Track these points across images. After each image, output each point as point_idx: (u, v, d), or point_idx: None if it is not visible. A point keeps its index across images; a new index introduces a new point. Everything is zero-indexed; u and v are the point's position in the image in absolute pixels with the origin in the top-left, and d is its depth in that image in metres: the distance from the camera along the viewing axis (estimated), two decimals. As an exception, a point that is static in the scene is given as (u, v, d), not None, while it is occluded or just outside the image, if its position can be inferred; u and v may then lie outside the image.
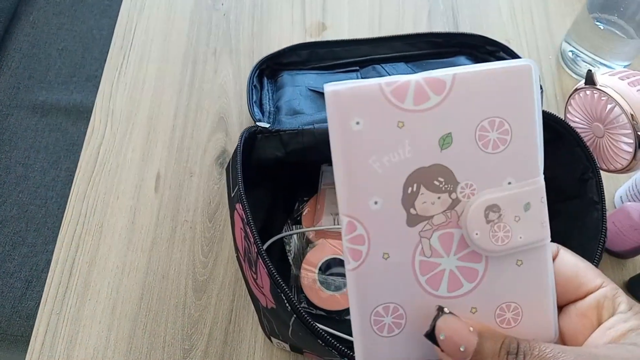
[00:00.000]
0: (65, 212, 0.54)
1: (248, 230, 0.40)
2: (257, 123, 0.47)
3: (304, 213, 0.52)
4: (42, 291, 0.86)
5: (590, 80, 0.40)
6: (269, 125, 0.46)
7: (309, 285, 0.48)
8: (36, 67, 1.06)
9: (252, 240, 0.39)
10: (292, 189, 0.54)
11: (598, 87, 0.40)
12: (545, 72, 0.62)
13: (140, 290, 0.51)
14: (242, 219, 0.41)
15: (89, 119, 0.99)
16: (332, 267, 0.48)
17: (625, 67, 0.60)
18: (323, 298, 0.47)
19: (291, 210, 0.53)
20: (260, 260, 0.38)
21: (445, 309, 0.23)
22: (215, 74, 0.62)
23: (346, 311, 0.47)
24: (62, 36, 1.10)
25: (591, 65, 0.60)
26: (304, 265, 0.48)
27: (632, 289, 0.51)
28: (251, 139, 0.46)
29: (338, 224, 0.51)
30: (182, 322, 0.50)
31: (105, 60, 1.06)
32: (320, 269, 0.48)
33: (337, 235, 0.49)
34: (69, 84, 1.05)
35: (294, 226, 0.51)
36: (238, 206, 0.41)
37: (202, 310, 0.50)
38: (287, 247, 0.51)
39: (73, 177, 0.94)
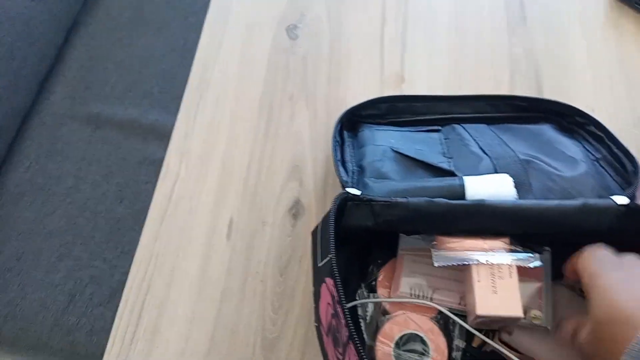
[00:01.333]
0: (137, 250, 0.54)
1: (339, 310, 0.38)
2: (347, 189, 0.46)
3: (379, 279, 0.51)
4: (84, 307, 0.87)
5: None
6: (360, 192, 0.45)
7: (383, 359, 0.47)
8: (93, 79, 1.07)
9: (343, 322, 0.38)
10: (367, 251, 0.52)
11: None
12: (630, 146, 0.60)
13: (209, 344, 0.50)
14: (333, 297, 0.40)
15: (142, 135, 1.00)
16: (410, 343, 0.47)
17: None
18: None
19: (365, 274, 0.52)
20: (353, 348, 0.37)
21: None
22: (291, 120, 0.62)
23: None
24: (121, 50, 1.10)
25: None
26: (379, 337, 0.47)
27: None
28: (341, 205, 0.45)
29: (416, 295, 0.50)
30: (250, 381, 0.49)
31: (161, 78, 1.07)
32: (396, 344, 0.47)
33: (415, 307, 0.48)
34: (124, 98, 1.05)
35: (371, 294, 0.50)
36: (329, 281, 0.40)
37: (270, 370, 0.49)
38: (360, 313, 0.50)
39: (123, 193, 0.95)
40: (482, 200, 0.43)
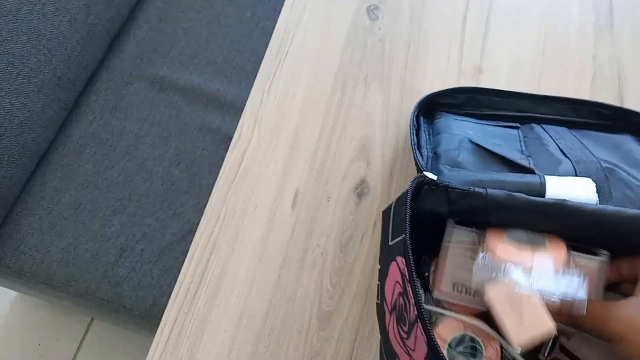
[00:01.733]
0: (205, 211, 0.55)
1: (409, 289, 0.39)
2: (425, 172, 0.45)
3: (432, 269, 0.50)
4: (134, 261, 0.90)
5: None
6: (437, 177, 0.45)
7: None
8: (161, 41, 1.09)
9: (412, 301, 0.38)
10: (425, 241, 0.52)
11: None
12: None
13: (267, 307, 0.51)
14: (403, 275, 0.40)
15: (203, 103, 1.01)
16: (463, 344, 0.46)
17: None
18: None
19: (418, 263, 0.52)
20: (421, 326, 0.37)
21: None
22: (364, 100, 0.62)
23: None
24: (191, 16, 1.12)
25: None
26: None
27: None
28: (417, 188, 0.45)
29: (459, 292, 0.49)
30: (304, 349, 0.50)
31: (227, 48, 1.08)
32: (450, 345, 0.46)
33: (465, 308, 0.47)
34: (189, 64, 1.07)
35: (420, 289, 0.49)
36: (400, 259, 0.41)
37: (324, 342, 0.50)
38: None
39: (180, 156, 0.97)
40: (564, 200, 0.42)
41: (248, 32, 1.10)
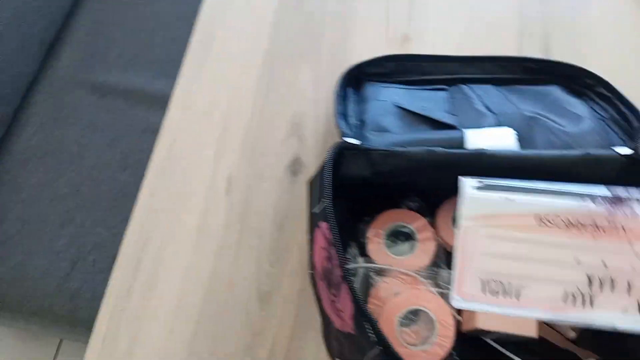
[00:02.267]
0: (135, 204, 0.54)
1: (333, 252, 0.38)
2: (346, 138, 0.45)
3: (369, 235, 0.50)
4: (86, 273, 0.87)
5: None
6: (359, 142, 0.45)
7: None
8: (99, 46, 1.07)
9: (336, 263, 0.38)
10: (360, 206, 0.52)
11: None
12: None
13: (205, 294, 0.50)
14: (327, 239, 0.39)
15: (146, 104, 0.99)
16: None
17: None
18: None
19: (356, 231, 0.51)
20: (346, 285, 0.37)
21: None
22: (294, 77, 0.61)
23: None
24: (128, 18, 1.10)
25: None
26: (371, 300, 0.47)
27: None
28: (339, 154, 0.44)
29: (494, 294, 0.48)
30: (245, 331, 0.48)
31: (167, 47, 1.06)
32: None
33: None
34: (129, 66, 1.05)
35: (359, 256, 0.49)
36: (323, 225, 0.40)
37: (265, 322, 0.49)
38: (352, 271, 0.49)
39: (127, 161, 0.95)
40: (483, 150, 0.42)
41: (188, 27, 1.07)
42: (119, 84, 1.02)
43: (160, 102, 1.00)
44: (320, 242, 0.41)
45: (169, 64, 1.05)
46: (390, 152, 0.44)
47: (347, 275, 0.36)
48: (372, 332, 0.35)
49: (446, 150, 0.43)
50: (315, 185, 0.43)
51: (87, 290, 0.87)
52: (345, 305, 0.38)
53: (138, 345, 0.48)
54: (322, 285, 0.41)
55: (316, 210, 0.42)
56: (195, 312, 0.49)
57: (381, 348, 0.35)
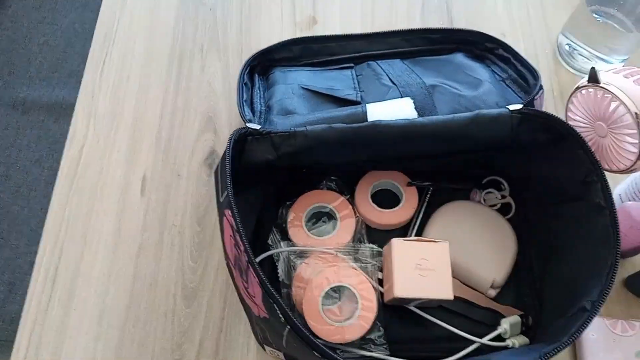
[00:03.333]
0: (47, 217, 0.52)
1: (238, 238, 0.38)
2: (247, 124, 0.44)
3: (289, 219, 0.50)
4: (25, 294, 0.84)
5: (593, 78, 0.39)
6: (260, 126, 0.44)
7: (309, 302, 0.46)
8: (16, 62, 1.03)
9: (242, 248, 0.37)
10: (281, 193, 0.52)
11: (602, 85, 0.38)
12: (542, 67, 0.61)
13: (128, 298, 0.49)
14: (232, 227, 0.39)
15: (71, 116, 0.96)
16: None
17: (622, 61, 0.58)
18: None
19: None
20: (252, 269, 0.37)
21: None
22: (202, 72, 0.60)
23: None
24: (43, 30, 1.06)
25: (588, 59, 0.59)
26: (295, 283, 0.47)
27: (630, 286, 0.50)
28: (241, 141, 0.44)
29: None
30: (172, 331, 0.48)
31: (87, 55, 1.03)
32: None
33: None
34: (50, 79, 1.02)
35: (281, 241, 0.49)
36: (227, 212, 0.40)
37: (192, 319, 0.48)
38: (275, 257, 0.49)
39: (56, 176, 0.92)
40: (378, 121, 0.43)
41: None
42: (41, 99, 0.99)
43: (86, 112, 0.97)
44: (228, 230, 0.40)
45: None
46: (291, 133, 0.44)
47: (252, 260, 0.36)
48: (280, 312, 0.35)
49: (343, 125, 0.43)
50: (219, 174, 0.43)
51: (30, 313, 0.84)
52: (255, 289, 0.37)
53: (62, 357, 0.46)
54: (236, 274, 0.41)
55: (222, 199, 0.42)
56: (119, 319, 0.48)
57: (289, 327, 0.35)
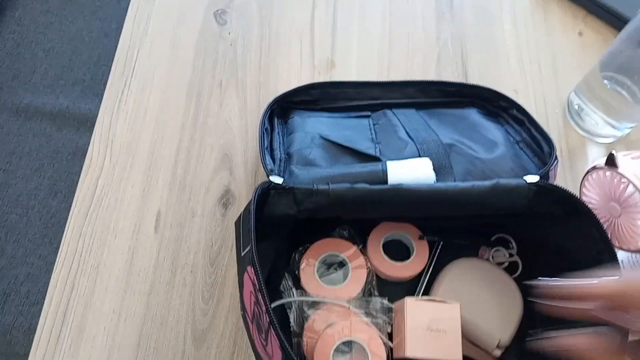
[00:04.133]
0: (60, 249, 0.52)
1: (260, 298, 0.39)
2: (270, 177, 0.45)
3: (301, 266, 0.51)
4: (20, 305, 0.84)
5: (611, 162, 0.40)
6: (282, 180, 0.45)
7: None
8: (21, 67, 1.02)
9: (264, 309, 0.38)
10: (294, 238, 0.52)
11: (619, 171, 0.40)
12: (551, 125, 0.63)
13: (138, 337, 0.49)
14: (254, 285, 0.39)
15: (74, 126, 0.96)
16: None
17: (630, 128, 0.60)
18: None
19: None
20: (273, 332, 0.37)
21: None
22: (220, 108, 0.61)
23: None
24: (50, 36, 1.06)
25: (596, 122, 0.60)
26: (306, 333, 0.48)
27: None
28: (264, 194, 0.44)
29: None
30: (181, 373, 0.48)
31: (93, 64, 1.03)
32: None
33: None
34: (55, 87, 1.01)
35: (292, 288, 0.50)
36: (250, 270, 0.40)
37: (201, 362, 0.49)
38: (287, 304, 0.50)
39: (56, 186, 0.92)
40: (400, 185, 0.44)
41: (114, 45, 1.04)
42: (44, 106, 0.98)
43: (88, 123, 0.97)
44: (249, 286, 0.41)
45: (96, 83, 1.02)
46: (314, 190, 0.44)
47: (274, 323, 0.37)
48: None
49: (367, 186, 0.44)
50: (241, 227, 0.44)
51: (22, 324, 0.84)
52: (275, 351, 0.38)
53: (70, 396, 0.47)
54: (253, 328, 0.42)
55: (243, 253, 0.42)
56: (129, 356, 0.48)
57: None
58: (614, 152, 0.40)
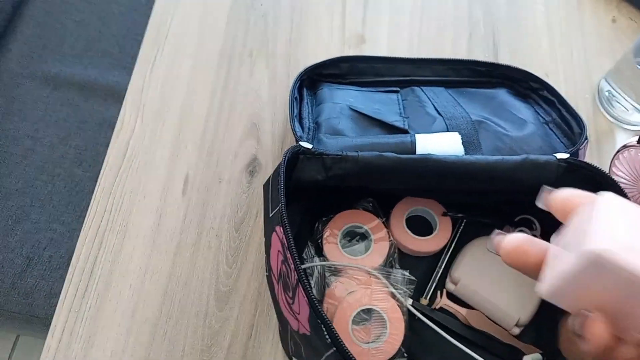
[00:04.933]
0: (90, 206, 0.53)
1: (289, 255, 0.39)
2: (300, 142, 0.46)
3: (325, 236, 0.52)
4: (42, 269, 0.86)
5: (644, 140, 0.40)
6: (312, 146, 0.46)
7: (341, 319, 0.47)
8: (51, 37, 1.04)
9: (292, 266, 0.39)
10: (318, 208, 0.53)
11: (652, 148, 0.40)
12: (580, 110, 0.62)
13: (162, 295, 0.50)
14: (283, 244, 0.40)
15: (102, 97, 0.97)
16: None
17: (660, 115, 0.60)
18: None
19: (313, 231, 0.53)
20: (301, 288, 0.38)
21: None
22: (250, 77, 0.61)
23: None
24: (80, 7, 1.07)
25: (626, 109, 0.60)
26: (326, 299, 0.48)
27: None
28: (293, 158, 0.45)
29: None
30: (202, 332, 0.49)
31: (122, 37, 1.04)
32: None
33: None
34: (83, 57, 1.02)
35: (315, 256, 0.51)
36: (278, 229, 0.41)
37: (223, 322, 0.50)
38: (308, 271, 0.51)
39: (82, 155, 0.93)
40: (429, 155, 0.44)
41: (143, 19, 1.05)
42: (73, 77, 0.99)
43: (115, 95, 0.98)
44: (277, 245, 0.42)
45: (124, 55, 1.03)
46: (342, 156, 0.45)
47: (303, 279, 0.37)
48: (327, 334, 0.37)
49: (396, 155, 0.44)
50: (270, 189, 0.44)
51: (43, 288, 0.86)
52: (302, 307, 0.39)
53: (94, 347, 0.48)
54: (279, 288, 0.43)
55: (271, 214, 0.43)
56: (152, 314, 0.49)
57: (335, 349, 0.37)
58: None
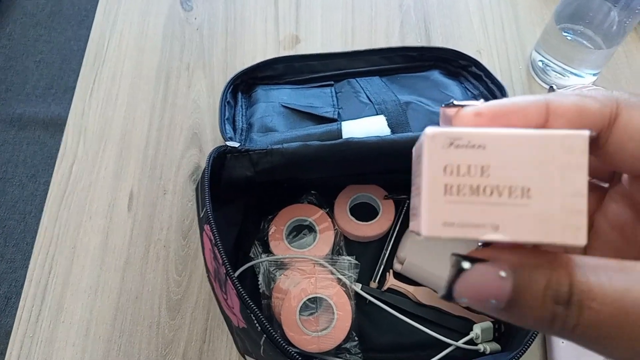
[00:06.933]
0: (38, 233, 0.54)
1: (216, 251, 0.40)
2: (227, 142, 0.46)
3: (270, 232, 0.52)
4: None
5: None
6: (239, 144, 0.46)
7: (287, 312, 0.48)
8: (13, 79, 1.06)
9: (220, 261, 0.39)
10: (263, 207, 0.54)
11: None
12: (515, 82, 0.63)
13: (114, 311, 0.51)
14: (211, 240, 0.41)
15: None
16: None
17: (595, 75, 0.60)
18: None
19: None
20: (229, 281, 0.38)
21: (465, 264, 0.17)
22: (188, 89, 0.62)
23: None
24: (40, 48, 1.09)
25: (561, 74, 0.61)
26: (274, 294, 0.49)
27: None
28: (220, 158, 0.46)
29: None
30: (157, 342, 0.49)
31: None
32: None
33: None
34: (46, 96, 1.04)
35: (262, 254, 0.51)
36: (206, 227, 0.41)
37: (176, 330, 0.50)
38: (256, 269, 0.51)
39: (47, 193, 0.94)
40: (350, 138, 0.45)
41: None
42: (37, 115, 1.01)
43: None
44: (207, 244, 0.42)
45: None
46: (268, 150, 0.45)
47: (230, 272, 0.38)
48: (257, 322, 0.37)
49: (318, 142, 0.45)
50: (199, 191, 0.45)
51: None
52: (234, 301, 0.39)
53: (50, 370, 0.48)
54: (216, 286, 0.43)
55: (201, 214, 0.43)
56: (105, 331, 0.50)
57: (265, 336, 0.37)
58: (553, 86, 0.40)
